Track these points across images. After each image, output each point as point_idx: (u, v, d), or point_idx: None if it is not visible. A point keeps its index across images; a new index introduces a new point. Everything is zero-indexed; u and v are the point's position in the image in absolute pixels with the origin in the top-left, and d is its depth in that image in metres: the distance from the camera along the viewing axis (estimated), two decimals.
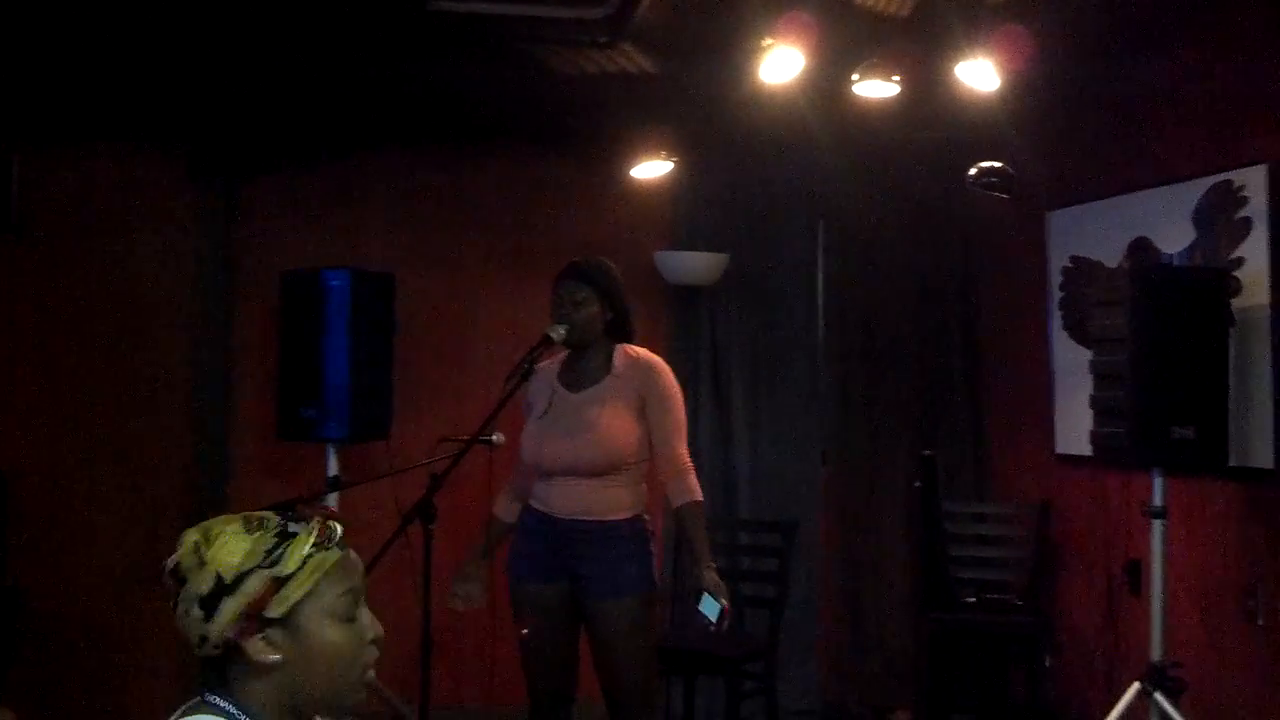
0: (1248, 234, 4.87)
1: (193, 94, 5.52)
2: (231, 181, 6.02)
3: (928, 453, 6.24)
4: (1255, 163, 4.83)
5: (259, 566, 1.87)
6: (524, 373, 4.24)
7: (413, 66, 5.26)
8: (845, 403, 6.75)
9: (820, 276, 6.75)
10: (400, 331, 5.71)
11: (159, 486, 5.93)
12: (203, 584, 1.86)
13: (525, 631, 4.31)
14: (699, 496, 4.32)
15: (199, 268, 5.98)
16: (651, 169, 6.11)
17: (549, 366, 4.47)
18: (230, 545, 1.88)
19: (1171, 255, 5.25)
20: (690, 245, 6.50)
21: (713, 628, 4.05)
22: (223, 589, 1.86)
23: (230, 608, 1.86)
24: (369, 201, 6.26)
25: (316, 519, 1.94)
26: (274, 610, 1.87)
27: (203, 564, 1.87)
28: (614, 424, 4.26)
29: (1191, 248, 5.15)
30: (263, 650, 1.87)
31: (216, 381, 6.00)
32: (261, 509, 1.95)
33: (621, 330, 4.43)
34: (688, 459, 4.36)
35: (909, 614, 6.49)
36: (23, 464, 5.66)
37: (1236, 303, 4.80)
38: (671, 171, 6.17)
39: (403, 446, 5.48)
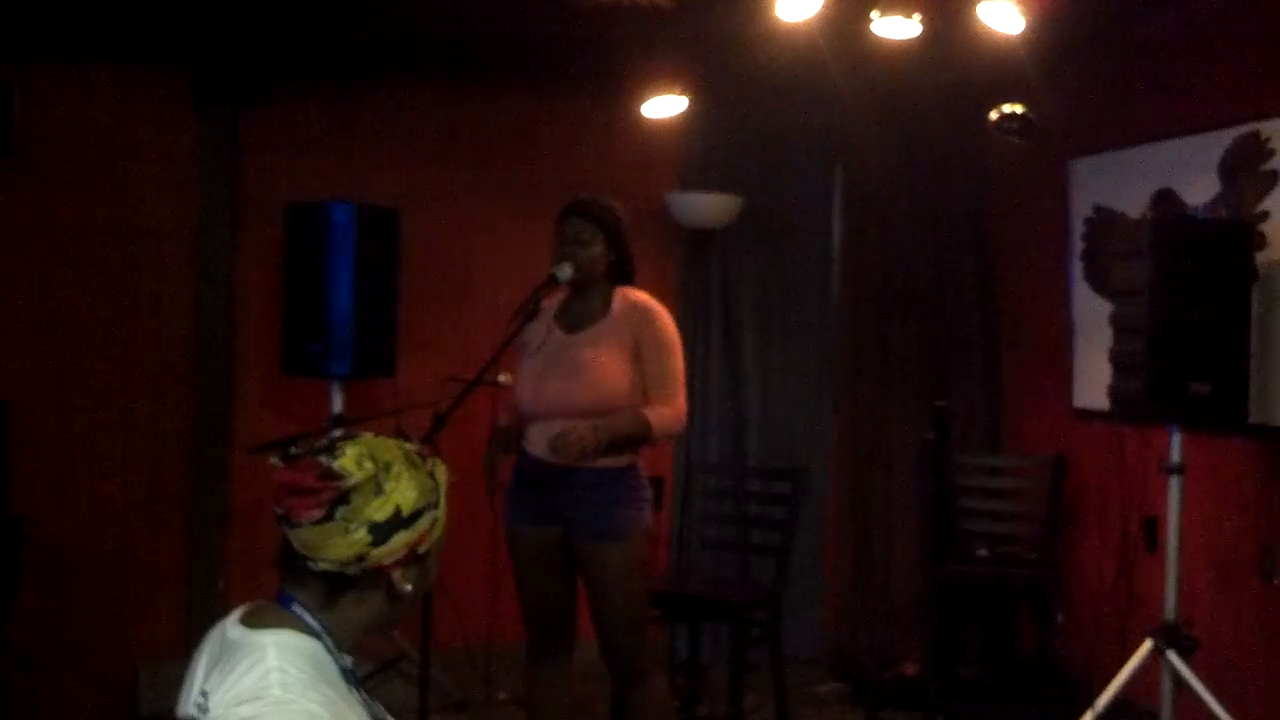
0: (1274, 187, 4.79)
1: (196, 16, 5.41)
2: (235, 111, 5.92)
3: (941, 403, 6.16)
4: None
5: (430, 507, 2.02)
6: (529, 312, 4.20)
7: None
8: (858, 350, 6.67)
9: (835, 221, 6.66)
10: (406, 269, 5.65)
11: (162, 417, 5.86)
12: (379, 512, 1.96)
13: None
14: (660, 421, 4.15)
15: (202, 197, 5.89)
16: (664, 106, 5.97)
17: (548, 306, 4.41)
18: (409, 482, 1.99)
19: (1196, 208, 5.16)
20: (702, 186, 6.39)
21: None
22: (400, 521, 1.98)
23: (401, 540, 1.98)
24: (374, 136, 6.16)
25: (437, 459, 2.09)
26: (424, 547, 2.02)
27: (381, 492, 1.97)
28: (607, 367, 4.18)
29: (1216, 200, 5.06)
30: (401, 581, 2.01)
31: (220, 312, 5.92)
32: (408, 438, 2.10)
33: (623, 273, 4.35)
34: (683, 407, 4.24)
35: (918, 565, 6.44)
36: (24, 392, 5.60)
37: (1261, 257, 4.73)
38: (684, 111, 6.03)
39: (408, 385, 5.46)
